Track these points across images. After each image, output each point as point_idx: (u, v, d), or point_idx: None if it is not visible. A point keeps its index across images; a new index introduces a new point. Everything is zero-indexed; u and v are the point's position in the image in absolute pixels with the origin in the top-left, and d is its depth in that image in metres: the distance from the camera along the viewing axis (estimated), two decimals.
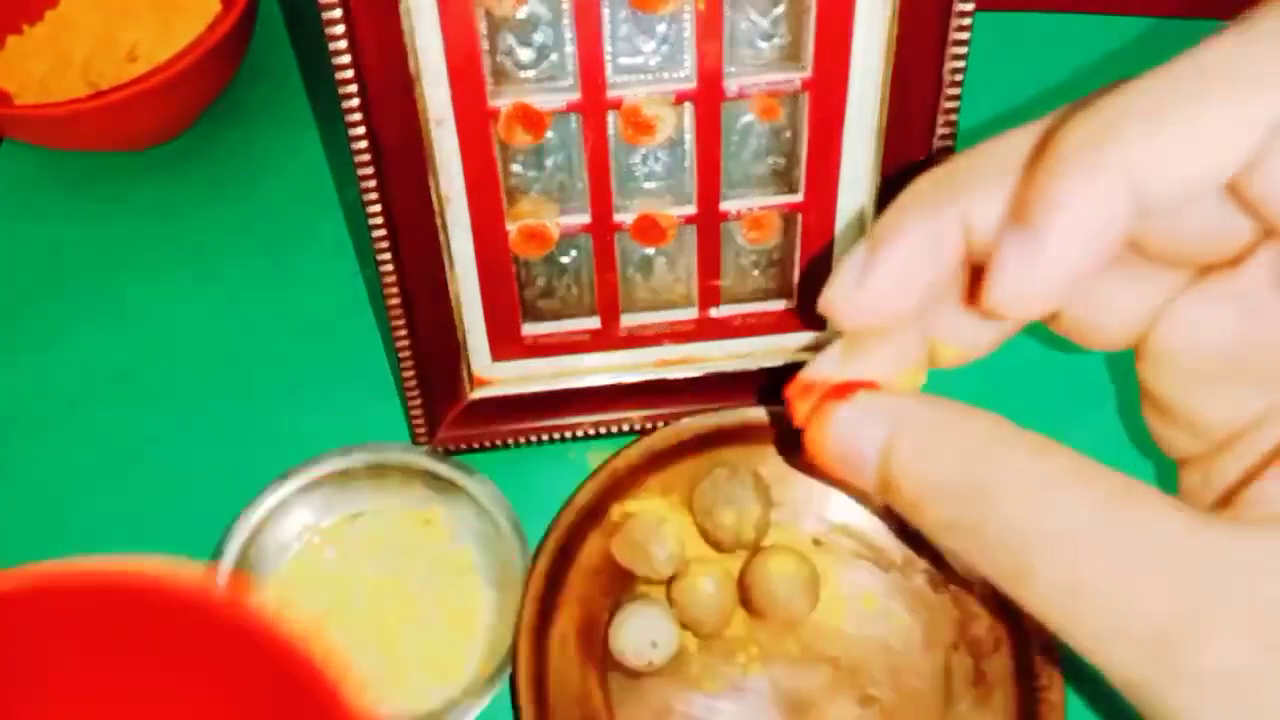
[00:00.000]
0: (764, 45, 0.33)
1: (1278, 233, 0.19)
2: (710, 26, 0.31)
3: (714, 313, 0.38)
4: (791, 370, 0.37)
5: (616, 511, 0.36)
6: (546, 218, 0.35)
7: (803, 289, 0.37)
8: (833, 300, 0.22)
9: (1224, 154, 0.17)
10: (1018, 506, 0.19)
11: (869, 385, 0.23)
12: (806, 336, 0.38)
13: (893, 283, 0.22)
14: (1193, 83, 0.17)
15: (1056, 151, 0.18)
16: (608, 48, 0.32)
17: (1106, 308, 0.22)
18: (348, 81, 0.30)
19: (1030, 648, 0.32)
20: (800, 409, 0.24)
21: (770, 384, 0.38)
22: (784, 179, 0.35)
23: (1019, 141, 0.20)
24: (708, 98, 0.33)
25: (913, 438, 0.21)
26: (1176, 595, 0.17)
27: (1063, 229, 0.18)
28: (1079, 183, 0.18)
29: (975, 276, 0.22)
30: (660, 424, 0.37)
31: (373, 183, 0.32)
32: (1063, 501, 0.18)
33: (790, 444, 0.24)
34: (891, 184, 0.35)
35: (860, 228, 0.36)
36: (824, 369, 0.24)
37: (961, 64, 0.32)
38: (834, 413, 0.23)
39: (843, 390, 0.23)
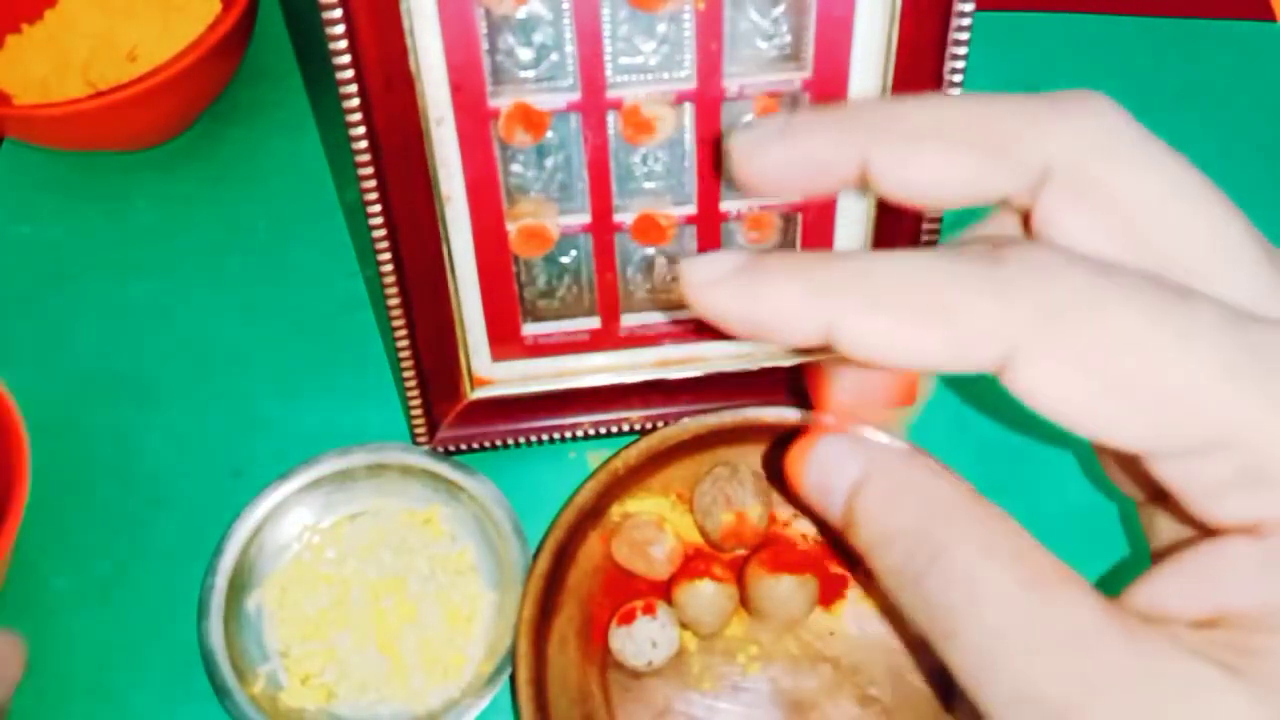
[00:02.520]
0: (764, 45, 0.33)
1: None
2: (710, 26, 0.31)
3: None
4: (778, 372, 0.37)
5: (616, 511, 0.36)
6: (546, 217, 0.35)
7: None
8: (736, 153, 0.24)
9: (914, 361, 0.21)
10: (957, 571, 0.21)
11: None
12: None
13: (792, 168, 0.23)
14: (900, 295, 0.21)
15: (792, 272, 0.22)
16: (608, 48, 0.32)
17: None
18: (348, 81, 0.30)
19: None
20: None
21: (769, 384, 0.38)
22: None
23: (935, 111, 0.22)
24: (708, 97, 0.33)
25: (881, 485, 0.23)
26: (1072, 683, 0.20)
27: (755, 309, 0.22)
28: (790, 305, 0.21)
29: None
30: (660, 424, 0.37)
31: (373, 183, 0.32)
32: (998, 575, 0.21)
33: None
34: None
35: (860, 228, 0.36)
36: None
37: (961, 64, 0.32)
38: (817, 442, 0.24)
39: (833, 429, 0.25)
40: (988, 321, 0.20)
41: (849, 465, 0.24)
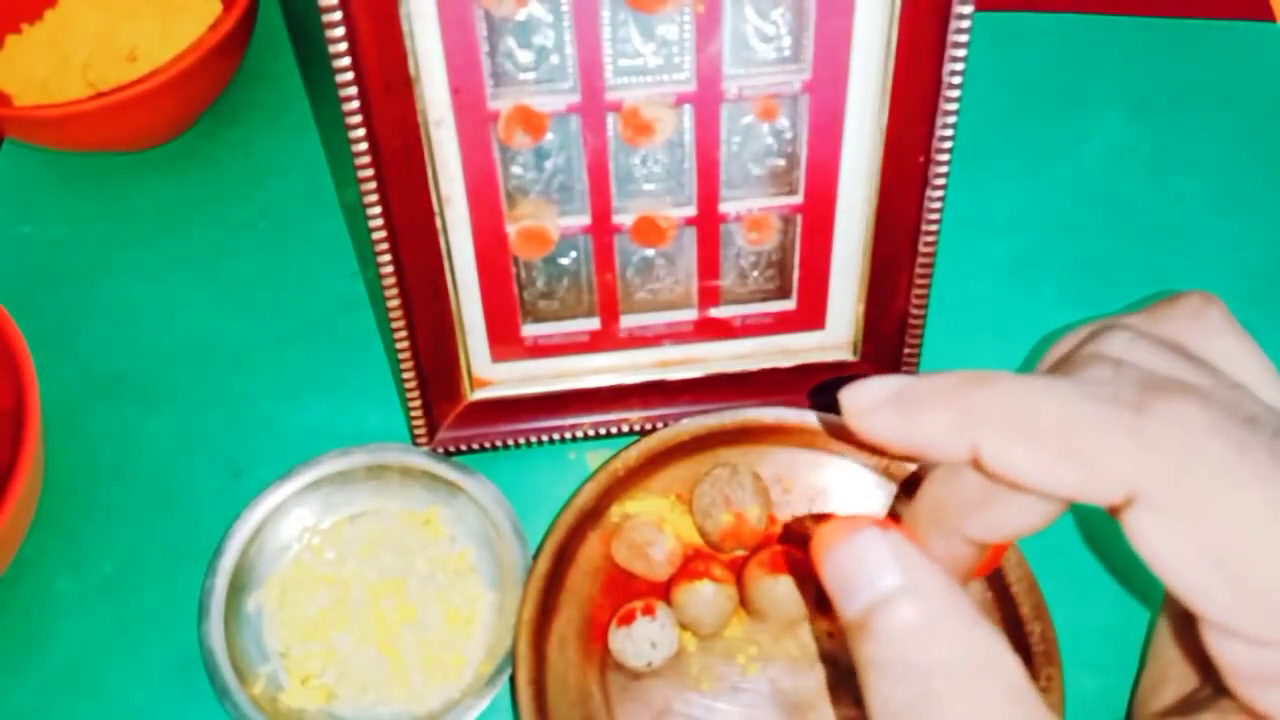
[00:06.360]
0: (764, 47, 0.33)
1: None
2: (710, 28, 0.32)
3: (713, 313, 0.38)
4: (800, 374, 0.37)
5: (616, 512, 0.36)
6: (546, 219, 0.35)
7: (802, 290, 0.37)
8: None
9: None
10: None
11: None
12: (806, 337, 0.38)
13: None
14: (1042, 429, 0.22)
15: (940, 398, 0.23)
16: (607, 50, 0.32)
17: None
18: (347, 84, 0.30)
19: (1029, 648, 0.32)
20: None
21: (769, 385, 0.38)
22: (783, 180, 0.35)
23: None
24: (707, 99, 0.33)
25: (913, 612, 0.21)
26: None
27: (910, 434, 0.23)
28: (941, 430, 0.23)
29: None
30: (660, 425, 0.37)
31: (373, 184, 0.32)
32: None
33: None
34: (893, 183, 0.35)
35: (860, 229, 0.36)
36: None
37: (961, 65, 0.32)
38: (858, 530, 0.22)
39: (888, 524, 0.23)
40: (1123, 465, 0.21)
41: (885, 573, 0.22)
